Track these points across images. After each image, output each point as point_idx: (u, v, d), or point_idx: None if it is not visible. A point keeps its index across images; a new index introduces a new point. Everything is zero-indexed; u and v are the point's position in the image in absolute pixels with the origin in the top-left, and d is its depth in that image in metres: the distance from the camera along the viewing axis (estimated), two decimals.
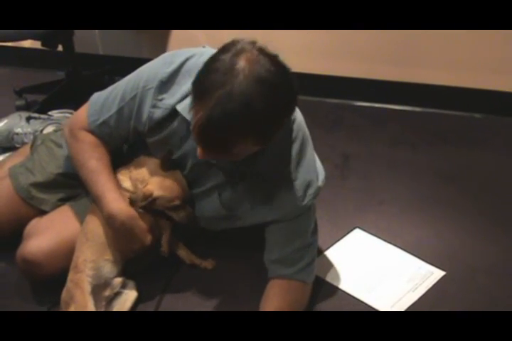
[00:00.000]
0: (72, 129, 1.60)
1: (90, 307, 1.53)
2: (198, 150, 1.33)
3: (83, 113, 1.58)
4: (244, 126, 1.21)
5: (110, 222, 1.54)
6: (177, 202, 1.55)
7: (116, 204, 1.52)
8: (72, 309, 1.52)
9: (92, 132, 1.57)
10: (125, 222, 1.52)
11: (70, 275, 1.58)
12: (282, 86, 1.23)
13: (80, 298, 1.53)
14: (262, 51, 1.23)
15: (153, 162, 1.58)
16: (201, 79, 1.24)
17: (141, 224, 1.54)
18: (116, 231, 1.56)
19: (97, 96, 1.59)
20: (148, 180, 1.55)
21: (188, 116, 1.41)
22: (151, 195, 1.52)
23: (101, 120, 1.55)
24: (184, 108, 1.43)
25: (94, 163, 1.55)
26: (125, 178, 1.59)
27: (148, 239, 1.56)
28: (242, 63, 1.19)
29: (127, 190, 1.57)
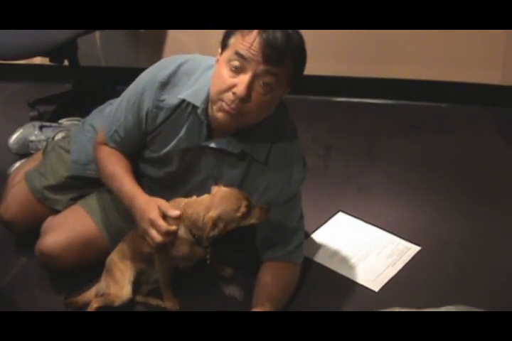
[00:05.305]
0: (95, 145, 1.61)
1: (127, 287, 1.52)
2: (243, 84, 1.28)
3: (103, 129, 1.59)
4: (292, 43, 1.30)
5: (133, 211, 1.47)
6: (244, 207, 1.37)
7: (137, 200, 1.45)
8: (109, 279, 1.53)
9: (108, 143, 1.56)
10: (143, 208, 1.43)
11: (117, 260, 1.56)
12: None
13: (119, 278, 1.53)
14: None
15: (199, 200, 1.43)
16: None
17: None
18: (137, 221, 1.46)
19: (109, 110, 1.59)
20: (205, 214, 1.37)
21: (196, 102, 1.40)
22: (214, 219, 1.35)
23: (112, 130, 1.54)
24: (190, 95, 1.41)
25: (109, 168, 1.54)
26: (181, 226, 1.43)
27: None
28: None
29: (185, 237, 1.43)
